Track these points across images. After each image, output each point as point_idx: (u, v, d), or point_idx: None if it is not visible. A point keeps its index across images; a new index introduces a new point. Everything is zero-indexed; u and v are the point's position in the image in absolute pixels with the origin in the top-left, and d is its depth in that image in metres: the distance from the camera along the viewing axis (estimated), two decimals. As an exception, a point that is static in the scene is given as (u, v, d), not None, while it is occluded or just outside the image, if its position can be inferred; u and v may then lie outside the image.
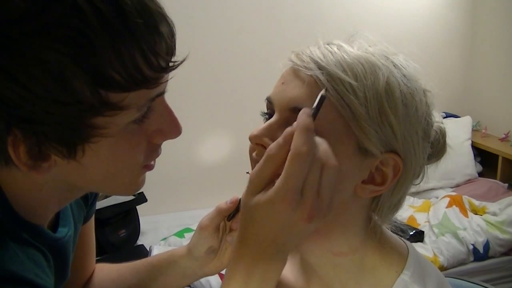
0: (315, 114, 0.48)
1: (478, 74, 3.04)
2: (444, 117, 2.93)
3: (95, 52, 0.43)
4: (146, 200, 2.22)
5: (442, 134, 0.59)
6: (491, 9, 2.92)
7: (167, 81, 0.53)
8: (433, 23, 2.91)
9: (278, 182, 0.45)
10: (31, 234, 0.57)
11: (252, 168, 0.57)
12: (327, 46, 0.53)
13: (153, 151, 0.57)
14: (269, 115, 0.56)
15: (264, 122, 0.55)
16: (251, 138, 0.53)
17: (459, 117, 2.95)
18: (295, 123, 0.46)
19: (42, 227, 0.60)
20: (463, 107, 3.04)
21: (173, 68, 0.51)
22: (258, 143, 0.53)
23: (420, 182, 0.58)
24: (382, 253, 0.57)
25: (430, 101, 0.55)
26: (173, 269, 0.76)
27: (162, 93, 0.53)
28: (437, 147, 0.59)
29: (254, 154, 0.55)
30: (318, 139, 0.46)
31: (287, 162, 0.45)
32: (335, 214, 0.48)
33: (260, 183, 0.46)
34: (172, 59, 0.51)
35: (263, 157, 0.47)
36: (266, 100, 0.56)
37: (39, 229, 0.59)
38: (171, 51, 0.50)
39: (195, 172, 2.58)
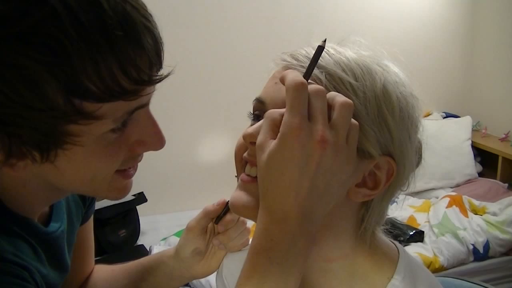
0: (312, 67, 0.47)
1: (478, 74, 3.04)
2: (444, 117, 2.94)
3: (70, 61, 0.43)
4: (146, 200, 2.22)
5: (420, 144, 0.58)
6: (491, 9, 2.91)
7: (150, 93, 0.51)
8: (433, 23, 2.91)
9: (284, 118, 0.43)
10: (19, 226, 0.58)
11: (238, 172, 0.55)
12: None
13: (132, 158, 0.56)
14: (257, 116, 0.54)
15: (252, 123, 0.53)
16: (245, 137, 0.51)
17: (459, 117, 2.95)
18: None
19: (32, 220, 0.61)
20: (463, 107, 3.04)
21: (156, 81, 0.50)
22: (252, 142, 0.51)
23: (406, 190, 0.57)
24: (373, 258, 0.56)
25: (419, 108, 0.55)
26: (161, 269, 0.77)
27: (144, 105, 0.52)
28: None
29: (245, 154, 0.53)
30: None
31: (286, 97, 0.44)
32: (326, 218, 0.47)
33: (266, 140, 0.45)
34: (157, 72, 0.50)
35: (264, 121, 0.46)
36: (255, 101, 0.55)
37: (29, 222, 0.60)
38: (154, 64, 0.49)
39: (195, 172, 2.58)
